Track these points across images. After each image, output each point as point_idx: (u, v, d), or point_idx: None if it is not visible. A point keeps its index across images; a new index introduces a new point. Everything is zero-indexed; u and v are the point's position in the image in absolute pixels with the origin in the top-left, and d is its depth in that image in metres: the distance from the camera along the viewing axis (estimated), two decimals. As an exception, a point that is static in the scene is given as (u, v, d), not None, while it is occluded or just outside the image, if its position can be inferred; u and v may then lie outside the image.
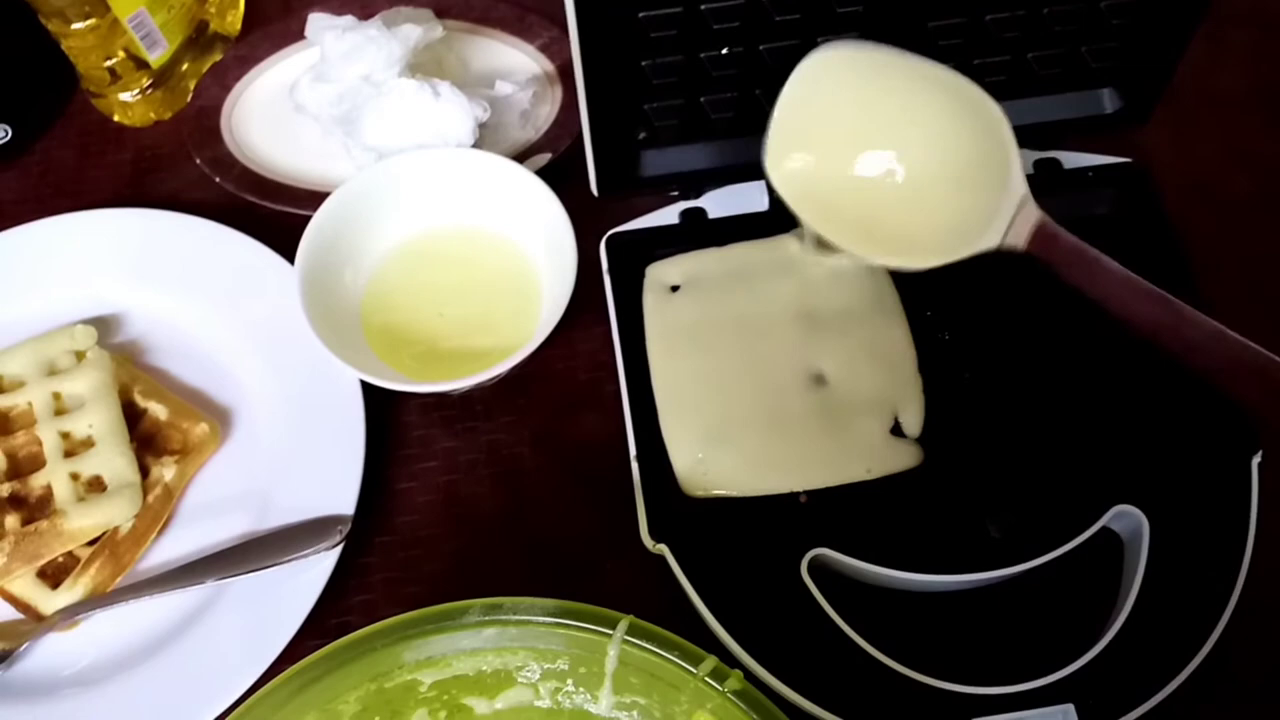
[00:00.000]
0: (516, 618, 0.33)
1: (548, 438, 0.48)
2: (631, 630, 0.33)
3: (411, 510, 0.46)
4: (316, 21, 0.52)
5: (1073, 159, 0.49)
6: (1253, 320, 0.48)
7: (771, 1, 0.40)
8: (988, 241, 0.39)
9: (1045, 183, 0.48)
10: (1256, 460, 0.42)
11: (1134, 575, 0.40)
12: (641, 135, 0.45)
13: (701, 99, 0.44)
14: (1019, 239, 0.38)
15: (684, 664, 0.33)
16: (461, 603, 0.33)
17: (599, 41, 0.40)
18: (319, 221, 0.47)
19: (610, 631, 0.33)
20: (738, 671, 0.33)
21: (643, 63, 0.42)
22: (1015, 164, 0.39)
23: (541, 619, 0.33)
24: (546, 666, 0.34)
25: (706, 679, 0.32)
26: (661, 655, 0.33)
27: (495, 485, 0.47)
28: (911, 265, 0.40)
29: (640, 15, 0.40)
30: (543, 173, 0.50)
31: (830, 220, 0.41)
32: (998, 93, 0.46)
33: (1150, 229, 0.47)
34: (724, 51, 0.42)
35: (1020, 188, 0.38)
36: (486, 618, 0.33)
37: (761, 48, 0.42)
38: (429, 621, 0.33)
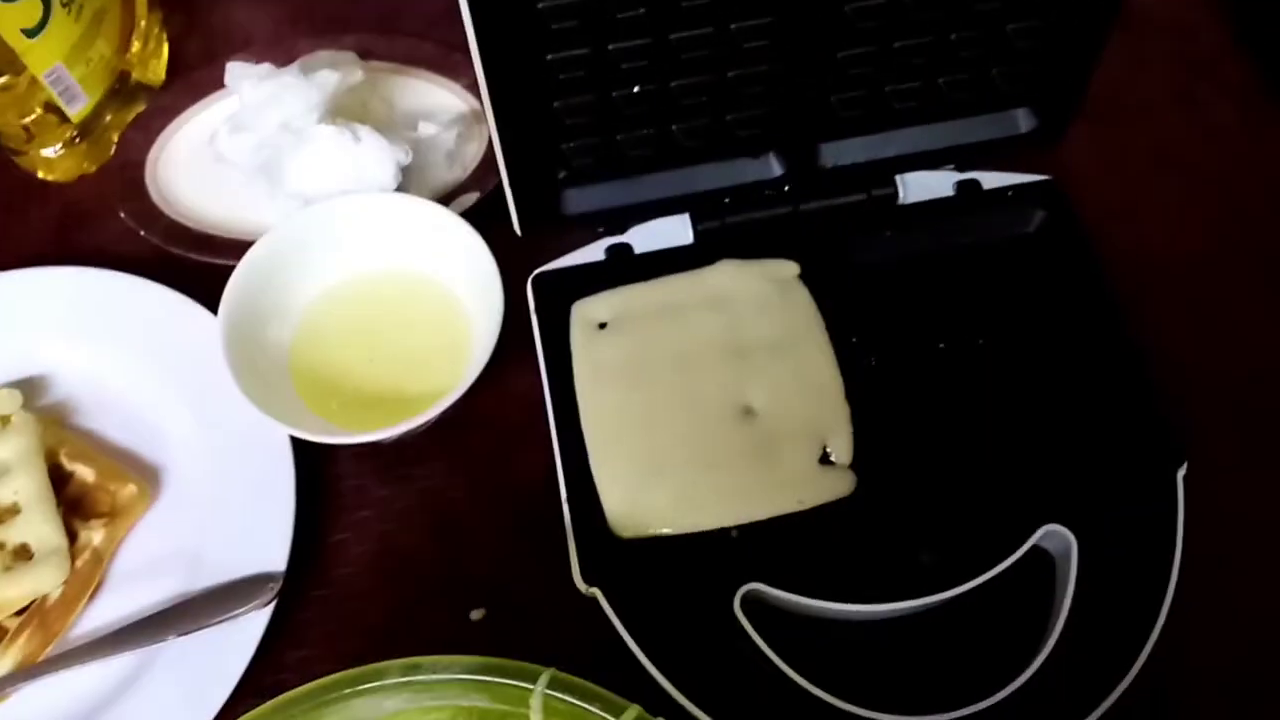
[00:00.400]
0: (436, 677, 0.33)
1: (483, 481, 0.47)
2: (553, 683, 0.33)
3: (346, 562, 0.46)
4: (234, 70, 0.52)
5: (992, 179, 0.49)
6: (1177, 330, 0.49)
7: (678, 40, 0.40)
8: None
9: (966, 204, 0.48)
10: (1181, 473, 0.42)
11: (1065, 594, 0.41)
12: (561, 174, 0.45)
13: (618, 136, 0.44)
14: None
15: (606, 715, 0.32)
16: (380, 665, 0.33)
17: (509, 85, 0.41)
18: (241, 272, 0.47)
19: (532, 686, 0.33)
20: (661, 719, 0.32)
21: (555, 104, 0.42)
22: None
23: (462, 677, 0.33)
24: (472, 723, 0.34)
25: (630, 729, 0.32)
26: (583, 708, 0.32)
27: (431, 533, 0.46)
28: None
29: (548, 58, 0.40)
30: (471, 212, 0.50)
31: None
32: (913, 118, 0.46)
33: (1070, 246, 0.47)
34: (635, 90, 0.42)
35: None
36: (405, 679, 0.33)
37: (673, 84, 0.42)
38: (347, 685, 0.33)
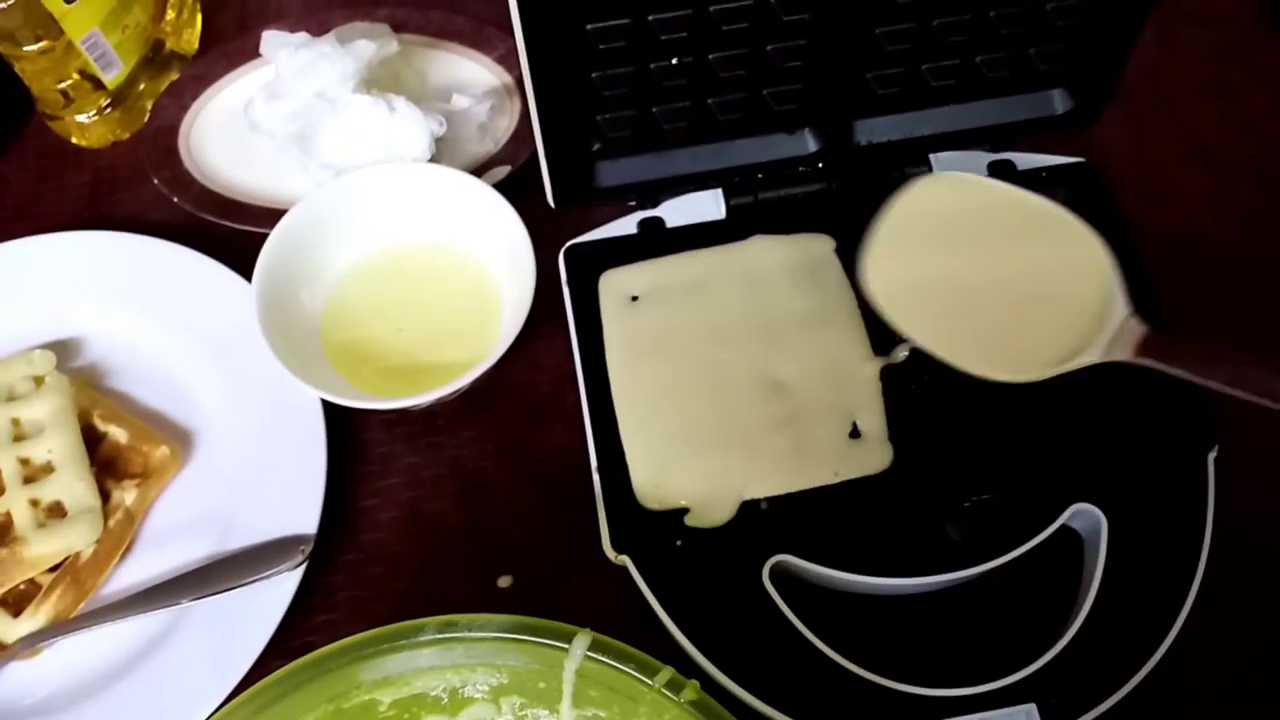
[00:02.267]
0: (472, 635, 0.33)
1: (511, 451, 0.48)
2: (589, 643, 0.33)
3: (375, 528, 0.46)
4: (271, 39, 0.52)
5: (1026, 160, 0.49)
6: (1208, 313, 0.49)
7: (718, 12, 0.40)
8: (1089, 357, 0.40)
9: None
10: (1212, 456, 0.42)
11: (1093, 574, 0.41)
12: (596, 146, 0.46)
13: (654, 109, 0.44)
14: (1124, 353, 0.40)
15: (640, 676, 0.33)
16: (416, 621, 0.33)
17: (548, 55, 0.41)
18: (275, 239, 0.47)
19: (567, 646, 0.33)
20: (694, 682, 0.33)
21: (593, 75, 0.42)
22: (1116, 287, 0.40)
23: (497, 635, 0.33)
24: (505, 681, 0.34)
25: (663, 690, 0.33)
26: (618, 668, 0.33)
27: (459, 500, 0.47)
28: (1008, 378, 0.41)
29: (588, 28, 0.40)
30: (503, 185, 0.50)
31: (921, 329, 0.42)
32: (948, 97, 0.46)
33: (1103, 228, 0.47)
34: (674, 62, 0.42)
35: (1122, 310, 0.40)
36: (441, 635, 0.33)
37: (711, 57, 0.42)
38: (384, 641, 0.33)
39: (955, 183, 0.44)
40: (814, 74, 0.44)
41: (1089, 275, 0.41)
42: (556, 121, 0.43)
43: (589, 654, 0.33)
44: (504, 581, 0.44)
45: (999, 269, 0.42)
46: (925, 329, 0.42)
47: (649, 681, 0.33)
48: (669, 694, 0.32)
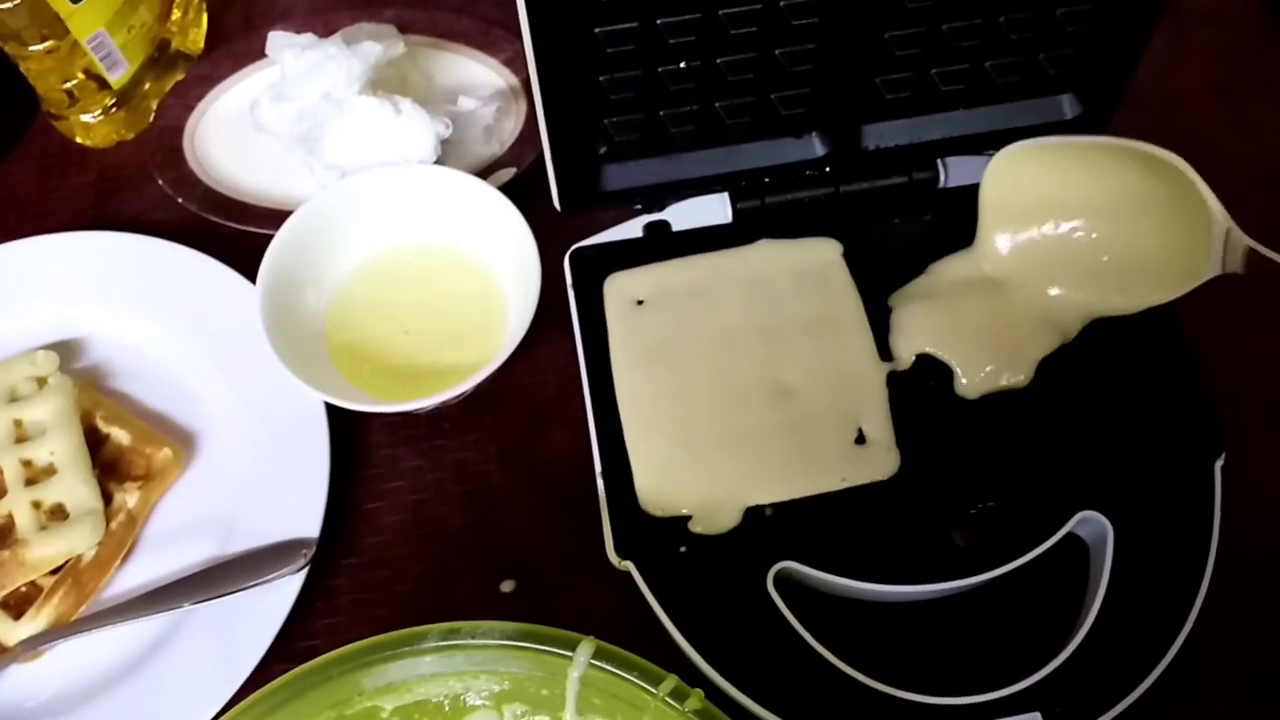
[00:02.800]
0: (475, 642, 0.33)
1: (515, 455, 0.47)
2: (593, 651, 0.33)
3: (379, 531, 0.46)
4: (276, 40, 0.52)
5: (1035, 165, 0.49)
6: (1215, 322, 0.48)
7: (727, 16, 0.40)
8: (1209, 272, 0.42)
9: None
10: (1219, 464, 0.42)
11: (1099, 581, 0.40)
12: (602, 150, 0.45)
13: (661, 113, 0.44)
14: (1235, 265, 0.41)
15: (644, 685, 0.32)
16: (419, 628, 0.33)
17: (556, 58, 0.40)
18: (280, 241, 0.47)
19: (570, 654, 0.33)
20: (698, 691, 0.33)
21: (600, 78, 0.42)
22: (1210, 199, 0.42)
23: (501, 642, 0.33)
24: (507, 689, 0.34)
25: (667, 699, 0.32)
26: (622, 676, 0.32)
27: (463, 504, 0.46)
28: (1138, 304, 0.44)
29: (597, 31, 0.40)
30: (508, 187, 0.50)
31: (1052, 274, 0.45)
32: (957, 101, 0.46)
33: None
34: (681, 66, 0.42)
35: (1223, 220, 0.41)
36: (444, 643, 0.33)
37: (719, 61, 0.42)
38: (386, 648, 0.33)
39: (1038, 149, 0.45)
40: (822, 78, 0.44)
41: (1182, 196, 0.43)
42: (563, 125, 0.43)
43: (593, 662, 0.33)
44: (507, 586, 0.44)
45: (1101, 211, 0.44)
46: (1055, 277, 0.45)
47: (653, 690, 0.32)
48: (673, 703, 0.32)
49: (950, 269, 0.46)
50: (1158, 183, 0.43)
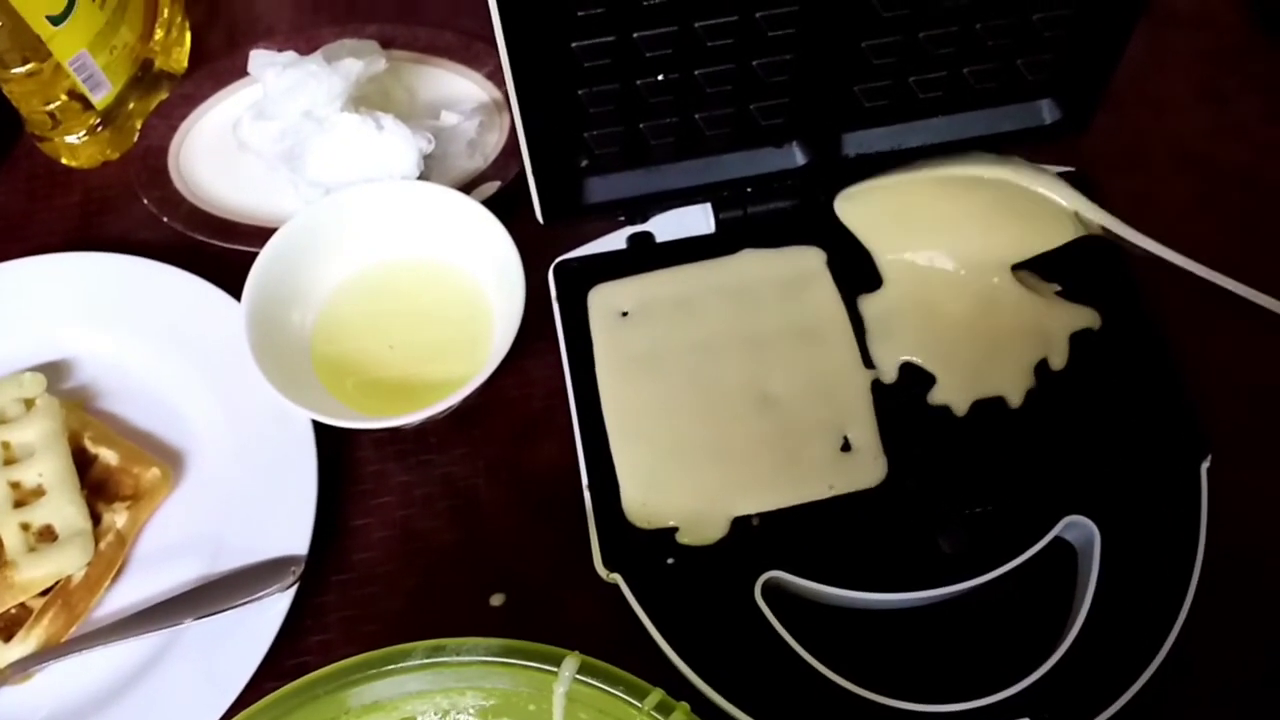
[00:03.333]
0: (460, 659, 0.33)
1: (503, 468, 0.47)
2: (578, 667, 0.33)
3: (367, 547, 0.46)
4: (258, 58, 0.52)
5: (1016, 170, 0.49)
6: (1201, 323, 0.48)
7: (703, 28, 0.40)
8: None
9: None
10: (1205, 466, 0.42)
11: (1087, 586, 0.40)
12: (584, 162, 0.45)
13: (641, 125, 0.44)
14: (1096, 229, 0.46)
15: (630, 699, 0.32)
16: (404, 646, 0.33)
17: (533, 73, 0.40)
18: (265, 258, 0.47)
19: (556, 669, 0.33)
20: (684, 704, 0.33)
21: (579, 92, 0.42)
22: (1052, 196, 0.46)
23: (486, 659, 0.33)
24: (494, 704, 0.34)
25: (653, 713, 0.32)
26: (608, 691, 0.33)
27: (451, 519, 0.46)
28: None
29: (573, 45, 0.40)
30: (492, 200, 0.50)
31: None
32: (936, 108, 0.46)
33: (1095, 238, 0.47)
34: (660, 78, 0.42)
35: (1070, 207, 0.47)
36: (430, 660, 0.33)
37: (697, 73, 0.42)
38: (372, 666, 0.33)
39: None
40: (801, 88, 0.44)
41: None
42: (543, 139, 0.43)
43: (578, 677, 0.33)
44: (496, 600, 0.44)
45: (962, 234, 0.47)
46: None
47: (638, 704, 0.32)
48: (659, 716, 0.32)
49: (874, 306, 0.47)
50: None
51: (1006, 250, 0.46)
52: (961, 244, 0.46)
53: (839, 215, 0.47)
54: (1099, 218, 0.45)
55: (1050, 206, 0.45)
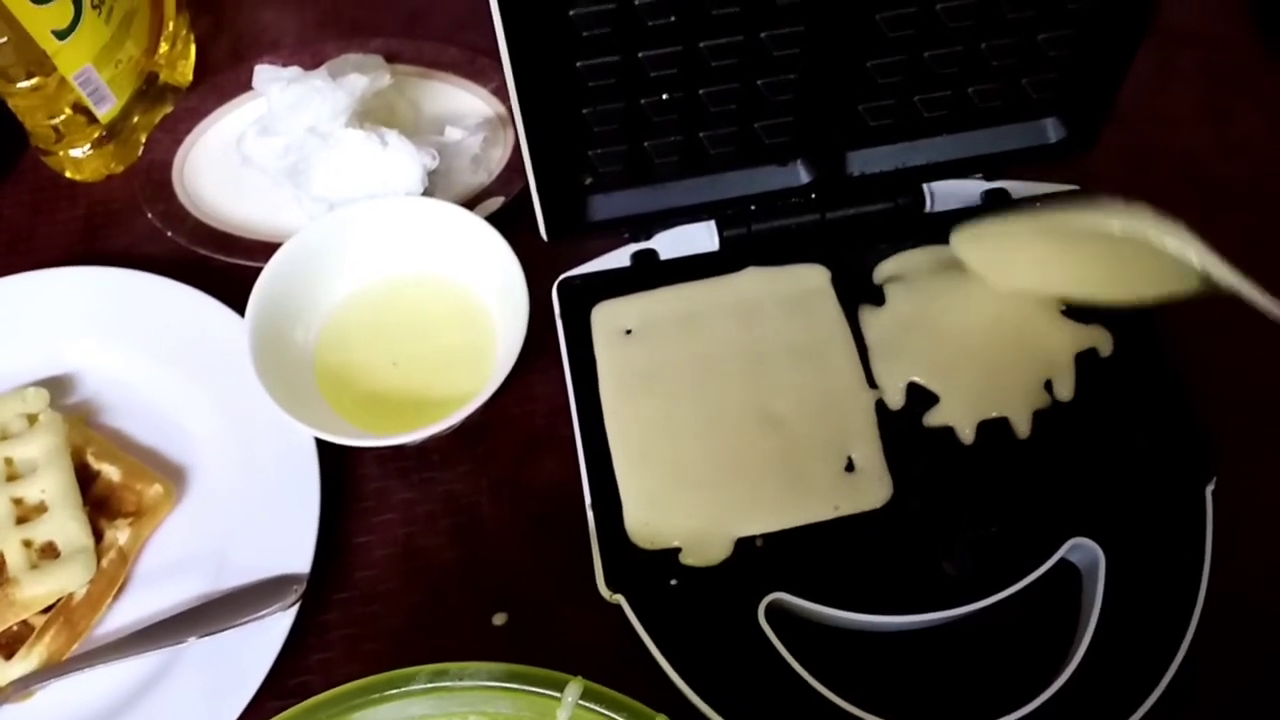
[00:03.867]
0: (463, 684, 0.33)
1: (506, 486, 0.47)
2: (581, 692, 0.33)
3: (369, 565, 0.46)
4: (263, 73, 0.52)
5: (1021, 188, 0.49)
6: (1205, 344, 0.48)
7: (707, 48, 0.40)
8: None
9: (994, 213, 0.48)
10: (1210, 489, 0.42)
11: (1092, 608, 0.40)
12: (588, 180, 0.45)
13: (645, 143, 0.44)
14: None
15: (633, 725, 0.32)
16: (407, 670, 0.33)
17: (538, 91, 0.40)
18: (269, 274, 0.47)
19: (559, 695, 0.33)
20: (687, 729, 0.32)
21: (583, 110, 0.42)
22: (1182, 252, 0.42)
23: (488, 684, 0.33)
24: (498, 730, 0.34)
25: (655, 738, 0.32)
26: (611, 717, 0.32)
27: (454, 536, 0.46)
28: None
29: (578, 65, 0.40)
30: (497, 216, 0.50)
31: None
32: (941, 127, 0.46)
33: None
34: (664, 97, 0.42)
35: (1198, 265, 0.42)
36: (432, 685, 0.33)
37: (701, 92, 0.42)
38: (374, 690, 0.33)
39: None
40: (805, 107, 0.44)
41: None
42: (548, 157, 0.43)
43: (581, 702, 0.33)
44: (499, 619, 0.44)
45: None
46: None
47: (641, 729, 0.32)
48: (661, 742, 0.32)
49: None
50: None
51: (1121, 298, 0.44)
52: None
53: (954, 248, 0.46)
54: (1231, 280, 0.42)
55: (1169, 259, 0.42)
